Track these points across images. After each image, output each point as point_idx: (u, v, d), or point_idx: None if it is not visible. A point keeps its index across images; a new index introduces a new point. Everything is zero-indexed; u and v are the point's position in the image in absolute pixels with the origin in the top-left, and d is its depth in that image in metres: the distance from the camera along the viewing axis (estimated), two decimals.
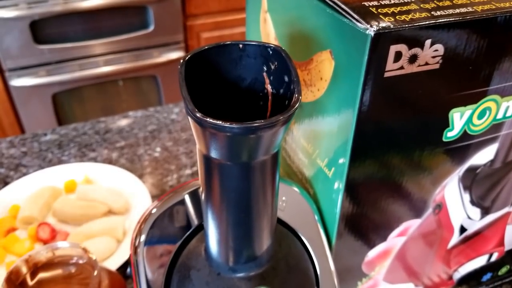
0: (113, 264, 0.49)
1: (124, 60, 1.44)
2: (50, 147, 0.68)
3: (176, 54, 1.50)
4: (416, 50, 0.25)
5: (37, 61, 1.34)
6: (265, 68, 0.23)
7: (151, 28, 1.42)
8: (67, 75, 1.38)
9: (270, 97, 0.23)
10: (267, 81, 0.23)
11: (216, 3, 1.49)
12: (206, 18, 1.52)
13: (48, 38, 1.33)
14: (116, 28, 1.39)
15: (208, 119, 0.19)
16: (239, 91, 0.24)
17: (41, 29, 1.30)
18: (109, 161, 0.66)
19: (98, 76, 1.43)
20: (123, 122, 0.74)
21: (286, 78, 0.22)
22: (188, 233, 0.30)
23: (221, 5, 1.51)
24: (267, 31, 0.36)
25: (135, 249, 0.30)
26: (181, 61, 0.21)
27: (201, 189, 0.24)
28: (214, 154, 0.21)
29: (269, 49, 0.22)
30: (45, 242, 0.52)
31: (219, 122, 0.19)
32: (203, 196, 0.24)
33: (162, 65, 1.49)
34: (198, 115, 0.19)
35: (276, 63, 0.22)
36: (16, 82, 1.34)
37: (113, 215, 0.56)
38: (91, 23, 1.35)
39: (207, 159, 0.22)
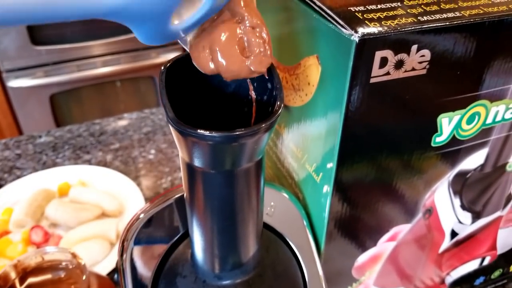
0: (104, 268, 0.49)
1: (122, 61, 1.44)
2: (44, 149, 0.68)
3: (174, 55, 1.49)
4: (402, 55, 0.24)
5: (35, 62, 1.34)
6: None
7: None
8: (64, 76, 1.38)
9: (254, 104, 0.23)
10: (251, 87, 0.23)
11: None
12: None
13: (46, 39, 1.33)
14: (114, 29, 1.38)
15: (188, 128, 0.19)
16: (224, 98, 0.24)
17: (39, 30, 1.30)
18: (104, 164, 0.65)
19: (96, 77, 1.43)
20: (118, 124, 0.74)
21: (269, 85, 0.22)
22: (175, 238, 0.30)
23: None
24: None
25: (121, 254, 0.29)
26: (162, 68, 0.21)
27: (185, 196, 0.24)
28: (197, 162, 0.21)
29: None
30: (38, 245, 0.52)
31: (200, 131, 0.19)
32: (187, 204, 0.24)
33: (160, 66, 1.48)
34: (178, 123, 0.19)
35: None
36: (14, 83, 1.34)
37: (106, 218, 0.56)
38: (88, 24, 1.35)
39: (190, 167, 0.22)
